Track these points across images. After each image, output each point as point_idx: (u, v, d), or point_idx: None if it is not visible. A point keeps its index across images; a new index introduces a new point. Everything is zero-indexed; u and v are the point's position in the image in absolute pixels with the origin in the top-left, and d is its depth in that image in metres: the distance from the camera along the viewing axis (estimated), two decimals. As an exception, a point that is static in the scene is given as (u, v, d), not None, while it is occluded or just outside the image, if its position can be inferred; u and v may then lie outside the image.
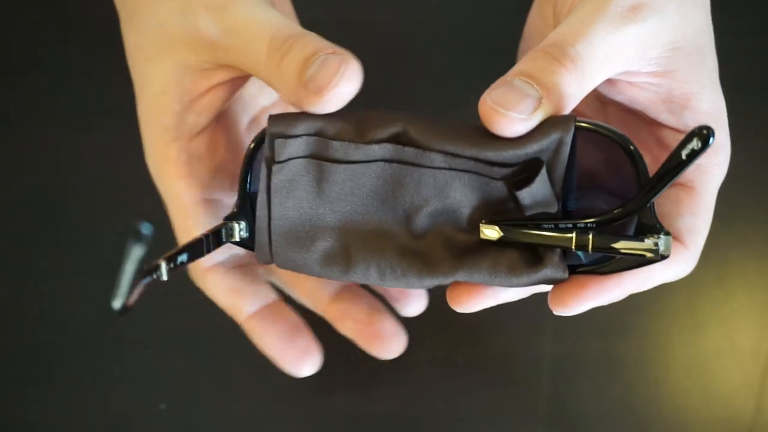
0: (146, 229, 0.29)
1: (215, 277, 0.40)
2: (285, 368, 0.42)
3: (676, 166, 0.31)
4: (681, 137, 0.30)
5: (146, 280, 0.31)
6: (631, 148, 0.33)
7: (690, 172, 0.35)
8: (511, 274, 0.33)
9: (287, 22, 0.34)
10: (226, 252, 0.40)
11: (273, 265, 0.37)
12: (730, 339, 0.57)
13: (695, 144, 0.30)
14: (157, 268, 0.32)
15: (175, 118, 0.36)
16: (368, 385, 0.57)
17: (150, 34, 0.36)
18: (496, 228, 0.33)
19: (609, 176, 0.35)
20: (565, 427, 0.57)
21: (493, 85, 0.32)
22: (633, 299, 0.57)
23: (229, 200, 0.40)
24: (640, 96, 0.35)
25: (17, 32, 0.57)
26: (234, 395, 0.57)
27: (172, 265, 0.32)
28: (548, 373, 0.57)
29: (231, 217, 0.36)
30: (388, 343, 0.42)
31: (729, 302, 0.57)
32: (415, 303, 0.44)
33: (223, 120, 0.39)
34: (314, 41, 0.33)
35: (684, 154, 0.30)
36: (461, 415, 0.57)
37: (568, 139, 0.33)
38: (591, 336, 0.57)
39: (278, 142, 0.34)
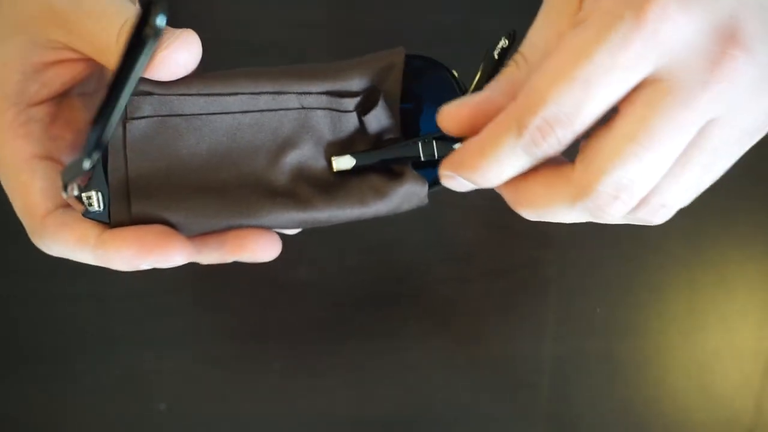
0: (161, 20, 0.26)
1: (55, 217, 0.36)
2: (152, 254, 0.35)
3: (491, 66, 0.35)
4: None
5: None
6: (453, 72, 0.38)
7: None
8: (379, 196, 0.35)
9: None
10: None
11: None
12: (730, 339, 0.57)
13: (503, 43, 0.35)
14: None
15: (16, 86, 0.36)
16: (368, 385, 0.57)
17: (7, 15, 0.36)
18: (349, 155, 0.36)
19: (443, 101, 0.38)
20: (565, 427, 0.57)
21: None
22: (633, 299, 0.57)
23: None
24: None
25: None
26: (234, 395, 0.57)
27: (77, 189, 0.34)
28: (548, 373, 0.57)
29: (86, 188, 0.35)
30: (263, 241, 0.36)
31: (729, 302, 0.57)
32: (267, 247, 0.37)
33: (77, 101, 0.39)
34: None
35: (496, 54, 0.35)
36: (461, 415, 0.57)
37: (400, 64, 0.36)
38: (591, 336, 0.57)
39: (130, 99, 0.34)
